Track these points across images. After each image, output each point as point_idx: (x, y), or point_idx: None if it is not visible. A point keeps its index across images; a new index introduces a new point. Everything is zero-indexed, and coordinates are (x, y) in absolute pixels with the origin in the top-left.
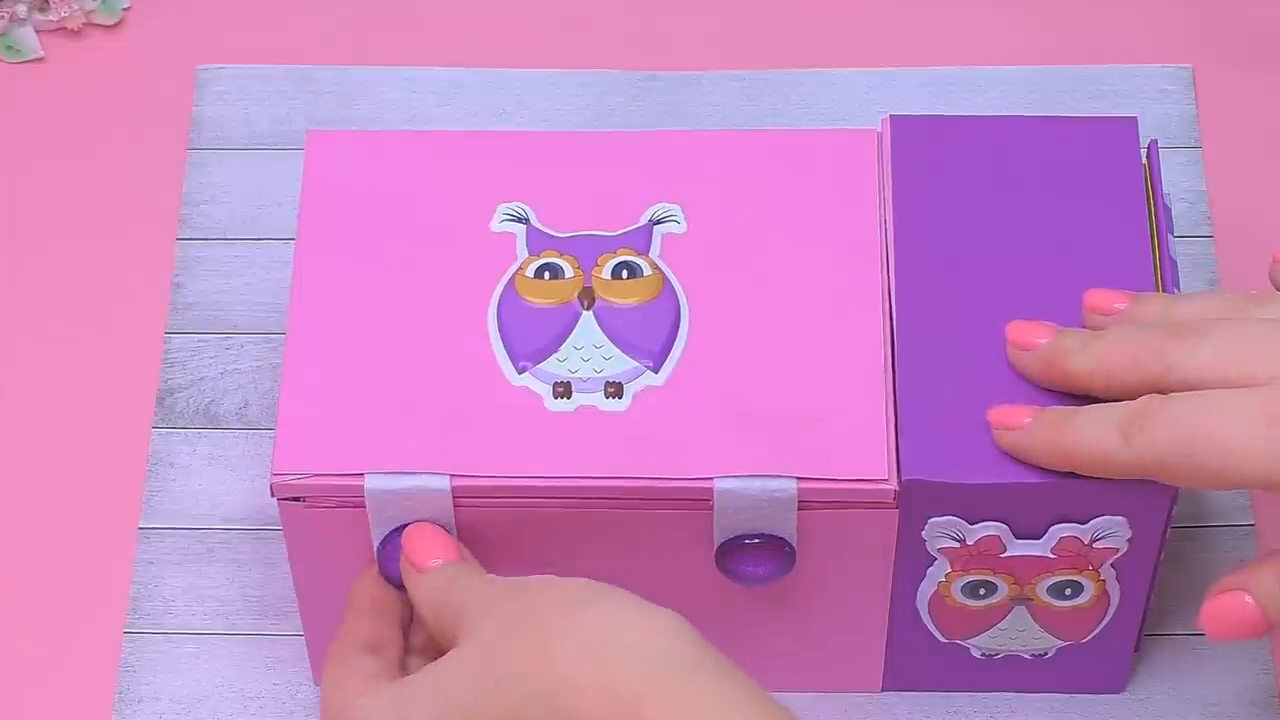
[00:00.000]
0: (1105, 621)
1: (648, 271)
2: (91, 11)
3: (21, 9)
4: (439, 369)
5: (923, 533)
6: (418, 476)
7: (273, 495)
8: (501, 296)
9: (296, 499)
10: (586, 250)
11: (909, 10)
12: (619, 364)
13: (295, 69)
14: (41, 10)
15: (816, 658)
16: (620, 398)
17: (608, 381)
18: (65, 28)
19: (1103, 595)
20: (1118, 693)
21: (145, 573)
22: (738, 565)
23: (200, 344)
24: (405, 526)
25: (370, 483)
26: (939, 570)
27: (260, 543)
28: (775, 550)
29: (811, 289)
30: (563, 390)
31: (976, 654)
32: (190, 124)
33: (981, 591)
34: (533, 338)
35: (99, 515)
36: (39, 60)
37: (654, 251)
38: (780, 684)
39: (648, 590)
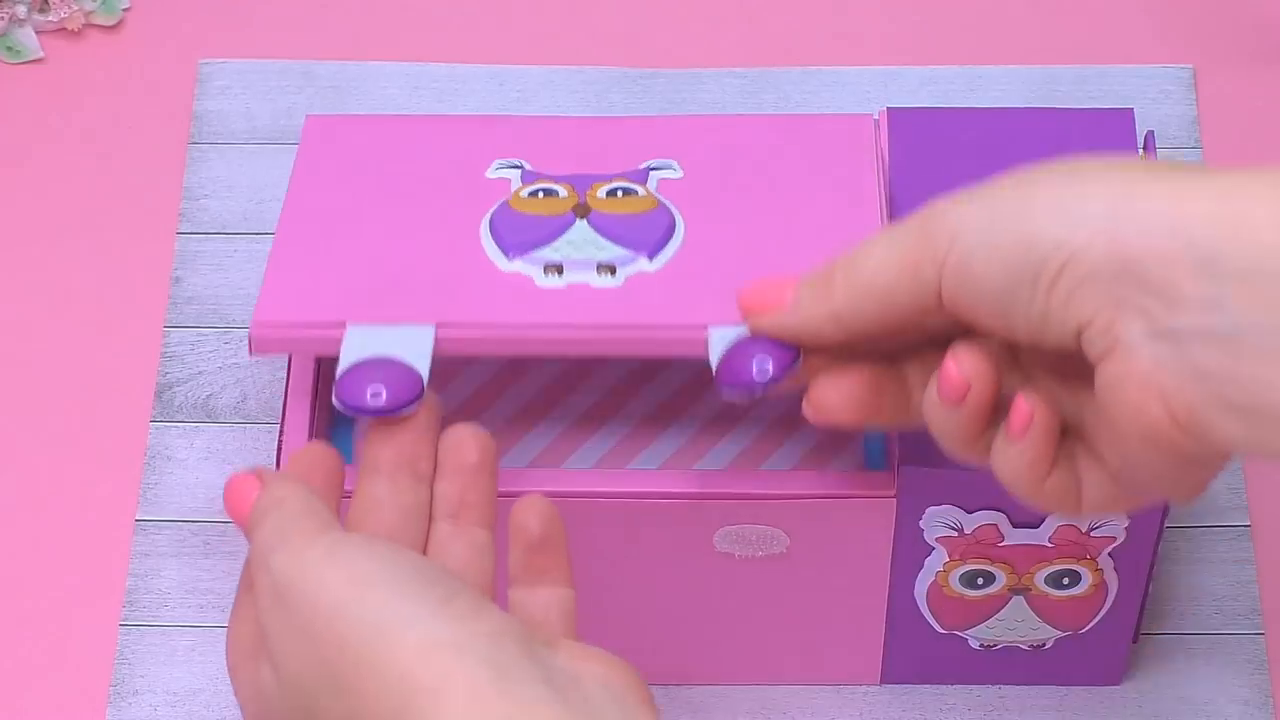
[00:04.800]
0: (1103, 611)
1: (643, 193)
2: (91, 12)
3: (21, 10)
4: (430, 255)
5: (920, 522)
6: (401, 326)
7: (251, 352)
8: (495, 210)
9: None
10: (582, 182)
11: (909, 10)
12: (613, 253)
13: (296, 64)
14: (41, 11)
15: (814, 649)
16: (613, 275)
17: (600, 263)
18: (65, 28)
19: (1100, 585)
20: (1115, 685)
21: (142, 565)
22: (737, 368)
23: (199, 338)
24: (379, 360)
25: (352, 332)
26: (937, 560)
27: None
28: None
29: (809, 244)
30: (554, 269)
31: (975, 645)
32: (191, 119)
33: (979, 581)
34: (525, 234)
35: (96, 508)
36: (39, 61)
37: (651, 185)
38: (778, 676)
39: (648, 586)
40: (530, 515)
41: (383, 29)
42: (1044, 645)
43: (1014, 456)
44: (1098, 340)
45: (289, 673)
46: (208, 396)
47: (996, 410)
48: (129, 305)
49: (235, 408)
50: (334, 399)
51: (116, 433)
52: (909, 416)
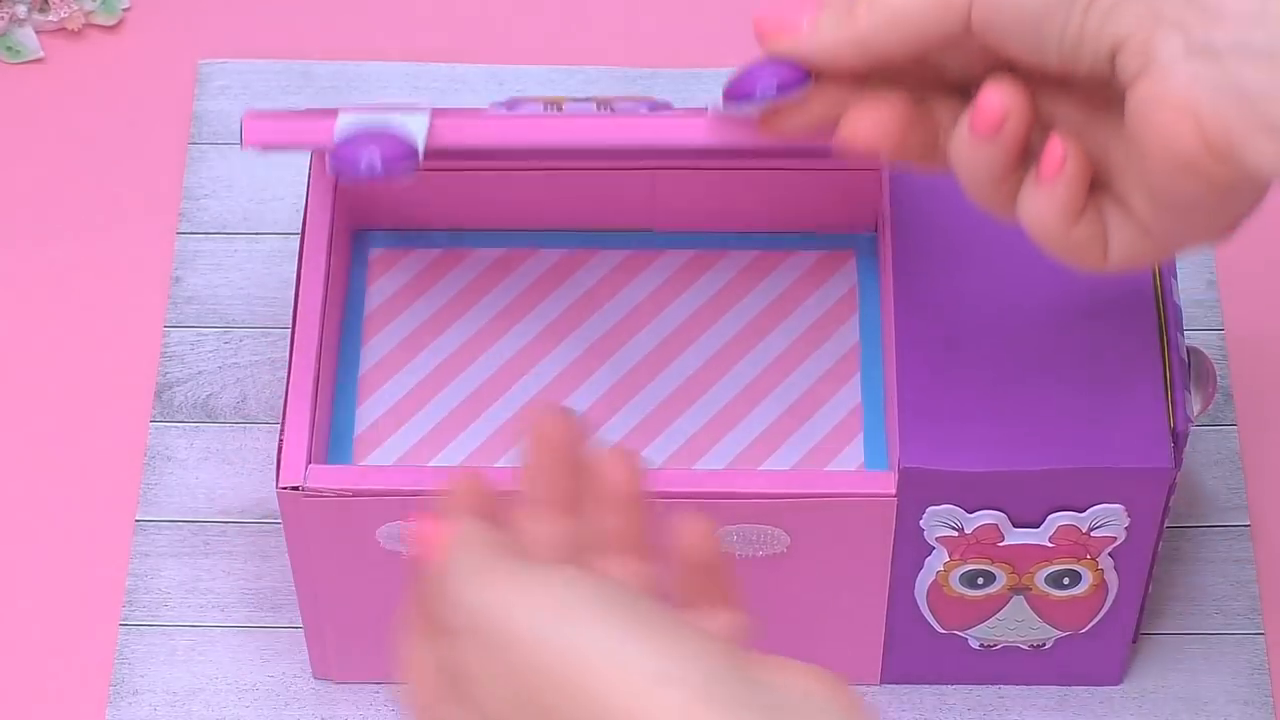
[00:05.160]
0: (1103, 611)
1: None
2: (91, 12)
3: (21, 9)
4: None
5: (921, 521)
6: (396, 112)
7: (242, 144)
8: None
9: None
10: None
11: None
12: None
13: (296, 64)
14: (41, 11)
15: (814, 649)
16: (612, 110)
17: (599, 101)
18: (65, 28)
19: (1100, 585)
20: (1115, 685)
21: (142, 565)
22: (744, 79)
23: (199, 338)
24: (374, 132)
25: (344, 116)
26: (937, 559)
27: (256, 536)
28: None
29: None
30: (554, 105)
31: (975, 645)
32: (191, 119)
33: (980, 581)
34: (524, 106)
35: (96, 508)
36: (39, 60)
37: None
38: None
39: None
40: (692, 536)
41: (382, 29)
42: (1044, 645)
43: (1043, 200)
44: (1132, 61)
45: (491, 710)
46: (208, 396)
47: (1026, 154)
48: (129, 305)
49: (235, 408)
50: (328, 168)
51: (116, 433)
52: (934, 159)
